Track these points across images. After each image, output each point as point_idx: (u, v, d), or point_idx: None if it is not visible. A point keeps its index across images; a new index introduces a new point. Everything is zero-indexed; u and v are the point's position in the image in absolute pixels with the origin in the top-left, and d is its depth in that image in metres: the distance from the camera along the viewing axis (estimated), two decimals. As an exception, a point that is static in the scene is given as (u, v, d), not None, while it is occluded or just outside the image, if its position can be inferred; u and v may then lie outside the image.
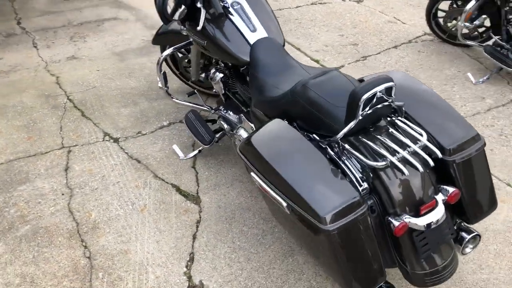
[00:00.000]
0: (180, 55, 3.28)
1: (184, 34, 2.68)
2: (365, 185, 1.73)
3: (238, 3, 2.44)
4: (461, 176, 1.78)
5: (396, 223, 1.65)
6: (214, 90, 3.24)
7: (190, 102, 3.10)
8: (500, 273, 2.17)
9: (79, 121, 3.26)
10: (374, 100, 1.68)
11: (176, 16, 2.43)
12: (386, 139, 1.73)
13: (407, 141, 1.72)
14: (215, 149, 2.93)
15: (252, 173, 1.88)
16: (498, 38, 3.59)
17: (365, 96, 1.64)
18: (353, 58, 4.06)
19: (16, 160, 2.90)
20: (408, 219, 1.66)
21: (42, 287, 2.13)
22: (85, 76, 3.79)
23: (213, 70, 2.68)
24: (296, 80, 2.06)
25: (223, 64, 2.66)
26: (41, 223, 2.45)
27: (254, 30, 2.38)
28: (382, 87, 1.67)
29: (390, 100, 1.73)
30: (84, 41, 4.40)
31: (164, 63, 3.08)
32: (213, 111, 2.83)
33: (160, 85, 2.95)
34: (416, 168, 1.65)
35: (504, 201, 2.51)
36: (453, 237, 1.83)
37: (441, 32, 4.21)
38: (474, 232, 1.86)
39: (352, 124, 1.70)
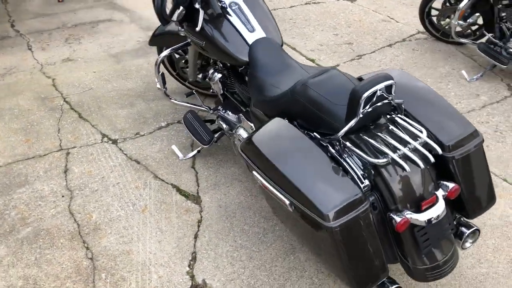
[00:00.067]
0: (177, 56, 3.29)
1: (182, 35, 2.69)
2: (366, 182, 1.76)
3: (236, 4, 2.45)
4: (461, 172, 1.80)
5: (397, 219, 1.68)
6: (211, 91, 3.26)
7: (188, 103, 3.11)
8: (498, 267, 2.20)
9: (77, 123, 3.26)
10: (375, 98, 1.71)
11: (174, 17, 2.44)
12: (387, 136, 1.76)
13: (407, 138, 1.74)
14: (214, 149, 2.95)
15: (254, 172, 1.90)
16: (491, 36, 3.64)
17: (365, 94, 1.66)
18: (348, 57, 4.09)
19: (15, 163, 2.90)
20: (410, 215, 1.69)
21: (45, 289, 2.15)
22: (81, 78, 3.79)
23: (211, 71, 2.69)
24: (295, 80, 2.08)
25: (221, 65, 2.68)
26: (42, 225, 2.45)
27: (252, 30, 2.40)
28: (382, 85, 1.69)
29: (390, 98, 1.76)
30: (79, 43, 4.39)
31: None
32: (211, 111, 2.85)
33: (158, 86, 2.96)
34: (417, 165, 1.67)
35: (501, 196, 2.55)
36: (453, 232, 1.86)
37: (435, 30, 4.24)
38: (473, 227, 1.89)
39: (353, 122, 1.72)
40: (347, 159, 1.81)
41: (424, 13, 4.16)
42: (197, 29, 2.39)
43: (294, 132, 1.88)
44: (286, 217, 1.91)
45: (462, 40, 3.90)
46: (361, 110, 1.70)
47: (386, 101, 1.76)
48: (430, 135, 1.79)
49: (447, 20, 4.09)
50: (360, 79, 2.02)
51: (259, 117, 2.28)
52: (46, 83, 3.74)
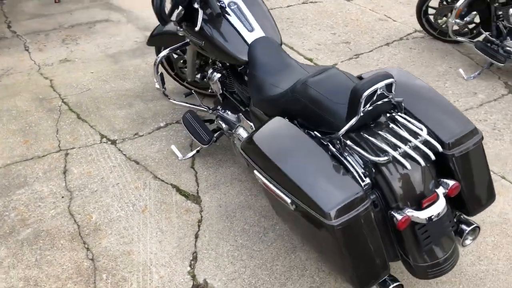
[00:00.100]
0: (175, 56, 3.29)
1: (181, 35, 2.69)
2: (367, 180, 1.76)
3: (235, 3, 2.45)
4: (461, 170, 1.81)
5: (399, 216, 1.68)
6: (209, 90, 3.26)
7: (187, 103, 3.11)
8: (498, 264, 2.21)
9: (75, 123, 3.25)
10: (375, 96, 1.72)
11: (173, 17, 2.45)
12: (387, 134, 1.77)
13: (407, 136, 1.75)
14: (213, 148, 2.95)
15: (255, 171, 1.90)
16: (488, 34, 3.66)
17: (366, 93, 1.67)
18: (346, 56, 4.10)
19: (14, 164, 2.89)
20: (411, 213, 1.69)
21: (46, 290, 2.14)
22: (79, 79, 3.78)
23: (210, 70, 2.70)
24: (295, 79, 2.09)
25: (220, 64, 2.68)
26: (42, 226, 2.44)
27: (251, 29, 2.40)
28: (382, 83, 1.70)
29: (390, 96, 1.77)
30: (76, 43, 4.39)
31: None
32: (210, 111, 2.85)
33: (157, 86, 2.96)
34: (418, 162, 1.68)
35: (499, 194, 2.55)
36: (454, 229, 1.87)
37: (432, 29, 4.26)
38: (473, 224, 1.90)
39: (353, 121, 1.73)
40: (348, 157, 1.81)
41: (421, 12, 4.18)
42: (196, 29, 2.39)
43: (294, 131, 1.88)
44: (287, 216, 1.91)
45: (459, 39, 3.91)
46: (361, 109, 1.70)
47: (386, 99, 1.77)
48: (430, 133, 1.80)
49: (444, 18, 4.10)
50: (360, 77, 2.03)
51: (259, 116, 2.28)
52: (44, 84, 3.73)
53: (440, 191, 1.76)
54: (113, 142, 3.06)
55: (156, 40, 3.17)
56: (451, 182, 1.77)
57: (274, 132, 1.92)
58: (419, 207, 1.73)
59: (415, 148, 1.72)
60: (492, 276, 2.16)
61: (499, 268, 2.19)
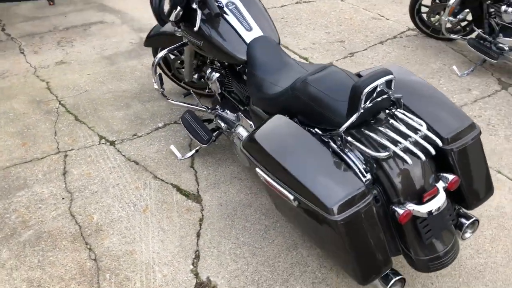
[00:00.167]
0: (172, 56, 3.30)
1: (178, 35, 2.70)
2: (368, 176, 1.79)
3: (233, 3, 2.47)
4: (460, 164, 1.84)
5: (400, 211, 1.71)
6: (207, 90, 3.28)
7: (185, 103, 3.12)
8: (497, 256, 2.25)
9: (73, 125, 3.25)
10: (375, 93, 1.74)
11: (172, 17, 2.46)
12: (387, 130, 1.79)
13: (407, 131, 1.78)
14: (212, 148, 2.97)
15: (257, 169, 1.92)
16: (481, 31, 3.70)
17: (367, 89, 1.70)
18: (341, 54, 4.13)
19: (13, 166, 2.89)
20: (412, 207, 1.72)
21: (50, 290, 2.15)
22: (75, 81, 3.79)
23: (209, 70, 2.71)
24: (294, 77, 2.11)
25: (219, 64, 2.69)
26: (44, 228, 2.45)
27: (249, 29, 2.42)
28: (382, 80, 1.73)
29: (390, 92, 1.80)
30: (72, 45, 4.38)
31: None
32: (209, 110, 2.87)
33: (156, 86, 2.96)
34: (418, 157, 1.71)
35: (496, 188, 2.55)
36: (454, 223, 1.90)
37: (425, 27, 4.31)
38: (472, 218, 1.93)
39: (354, 117, 1.75)
40: (348, 153, 1.84)
41: (414, 10, 4.23)
42: (195, 29, 2.40)
43: (295, 128, 1.90)
44: (290, 212, 1.93)
45: (453, 36, 3.96)
46: (362, 105, 1.73)
47: (385, 96, 1.80)
48: (429, 128, 1.83)
49: (437, 16, 4.15)
50: (358, 75, 2.06)
51: (259, 115, 2.30)
52: (41, 86, 3.72)
53: (440, 185, 1.79)
54: (112, 143, 3.07)
55: (153, 41, 3.18)
56: (450, 176, 1.80)
57: (275, 129, 1.94)
58: (420, 201, 1.76)
59: (415, 143, 1.75)
60: (491, 269, 2.19)
61: (498, 261, 2.23)
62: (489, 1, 3.57)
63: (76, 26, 4.78)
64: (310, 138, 1.84)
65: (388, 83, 1.77)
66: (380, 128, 1.81)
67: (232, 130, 2.58)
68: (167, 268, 2.22)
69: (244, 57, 2.37)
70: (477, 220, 1.94)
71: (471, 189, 1.90)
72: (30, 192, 2.68)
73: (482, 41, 3.70)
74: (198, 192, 2.66)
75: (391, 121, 1.84)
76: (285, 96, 2.07)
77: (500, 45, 3.56)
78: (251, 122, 2.45)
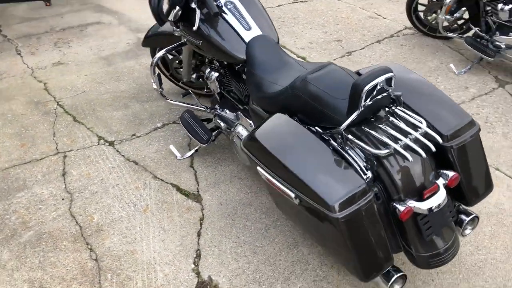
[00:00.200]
0: (170, 56, 3.30)
1: (177, 35, 2.71)
2: (369, 173, 1.80)
3: (231, 3, 2.48)
4: (459, 161, 1.86)
5: (401, 208, 1.72)
6: (205, 90, 3.29)
7: (184, 103, 3.12)
8: (496, 253, 2.26)
9: (72, 126, 3.25)
10: (375, 91, 1.75)
11: (171, 17, 2.46)
12: (388, 128, 1.80)
13: (408, 128, 1.79)
14: (211, 147, 2.97)
15: (258, 167, 1.92)
16: (477, 29, 3.72)
17: (367, 87, 1.70)
18: (338, 54, 4.14)
19: (12, 167, 2.88)
20: (413, 204, 1.73)
21: (51, 291, 2.15)
22: (73, 81, 3.78)
23: (208, 70, 2.71)
24: (294, 76, 2.12)
25: (218, 63, 2.70)
26: (44, 229, 2.44)
27: (248, 28, 2.43)
28: (383, 77, 1.73)
29: (390, 90, 1.81)
30: (69, 46, 4.38)
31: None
32: (208, 110, 2.87)
33: (154, 86, 2.96)
34: (419, 154, 1.72)
35: (495, 185, 2.58)
36: (454, 219, 1.91)
37: (422, 25, 4.33)
38: (472, 214, 1.94)
39: (355, 115, 1.76)
40: (349, 151, 1.85)
41: (411, 9, 4.24)
42: (194, 28, 2.41)
43: (296, 126, 1.91)
44: (291, 210, 1.94)
45: (450, 34, 3.98)
46: (362, 103, 1.73)
47: (385, 93, 1.81)
48: (429, 125, 1.84)
49: (434, 15, 4.17)
50: (358, 73, 2.07)
51: (258, 114, 2.31)
52: (38, 87, 3.72)
53: (440, 182, 1.80)
54: (111, 144, 3.06)
55: (151, 41, 3.18)
56: (450, 173, 1.81)
57: (276, 128, 1.94)
58: (421, 198, 1.77)
59: (416, 141, 1.76)
60: (490, 265, 2.21)
61: (497, 257, 2.24)
62: (485, 0, 3.59)
63: (72, 27, 4.77)
64: (310, 136, 1.85)
65: (388, 81, 1.77)
66: (380, 125, 1.82)
67: (232, 129, 2.59)
68: (169, 268, 2.23)
69: (243, 56, 2.37)
70: (477, 217, 1.96)
71: (471, 185, 1.91)
72: (30, 193, 2.68)
73: (479, 39, 3.72)
74: (198, 191, 2.67)
75: (391, 118, 1.85)
76: (285, 95, 2.07)
77: (497, 43, 3.57)
78: (250, 121, 2.46)
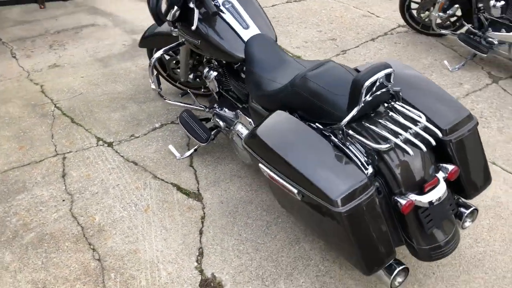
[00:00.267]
0: (167, 57, 3.31)
1: (175, 35, 2.72)
2: (370, 168, 1.82)
3: (229, 2, 2.50)
4: (458, 154, 1.89)
5: (402, 201, 1.75)
6: (203, 90, 3.30)
7: (182, 102, 3.14)
8: (495, 245, 2.30)
9: (70, 128, 3.25)
10: (374, 87, 1.78)
11: (169, 17, 2.47)
12: (387, 122, 1.83)
13: (407, 123, 1.82)
14: (210, 147, 2.98)
15: (260, 164, 1.94)
16: (470, 26, 3.77)
17: (367, 83, 1.73)
18: (333, 52, 4.18)
19: (11, 170, 2.88)
20: (414, 197, 1.76)
21: (55, 292, 2.15)
22: (70, 83, 3.78)
23: (206, 69, 2.73)
24: (293, 74, 2.14)
25: (216, 63, 2.71)
26: (46, 230, 2.45)
27: (246, 27, 2.45)
28: (382, 73, 1.76)
29: (389, 86, 1.83)
30: (64, 48, 4.37)
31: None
32: (207, 109, 2.88)
33: (153, 87, 2.98)
34: (419, 148, 1.75)
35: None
36: (454, 212, 1.94)
37: (415, 23, 4.37)
38: (472, 207, 1.98)
39: (355, 111, 1.79)
40: (350, 147, 1.87)
41: (405, 7, 4.29)
42: (193, 28, 2.42)
43: (297, 123, 1.93)
44: (293, 206, 1.96)
45: (443, 31, 4.02)
46: (363, 99, 1.76)
47: (385, 89, 1.83)
48: (428, 120, 1.87)
49: (427, 12, 4.21)
50: (356, 70, 2.09)
51: (258, 112, 2.33)
52: (35, 89, 3.71)
53: (440, 175, 1.83)
54: (110, 145, 3.07)
55: (148, 42, 3.19)
56: (450, 167, 1.85)
57: (277, 125, 1.96)
58: (421, 192, 1.79)
59: (415, 135, 1.79)
60: (489, 257, 2.24)
61: (496, 249, 2.28)
62: (477, -3, 3.64)
63: (67, 29, 4.77)
64: (311, 133, 1.87)
65: (388, 77, 1.80)
66: (380, 120, 1.85)
67: (231, 128, 2.60)
68: (172, 266, 2.24)
69: (242, 55, 2.39)
70: (476, 209, 1.99)
71: (470, 178, 1.94)
72: (30, 195, 2.68)
73: (472, 36, 3.77)
74: (198, 190, 2.68)
75: (391, 113, 1.88)
76: (285, 93, 2.09)
77: (490, 39, 3.62)
78: (250, 120, 2.48)
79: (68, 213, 2.55)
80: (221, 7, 2.46)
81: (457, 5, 3.85)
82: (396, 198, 1.78)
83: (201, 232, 2.41)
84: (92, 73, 3.92)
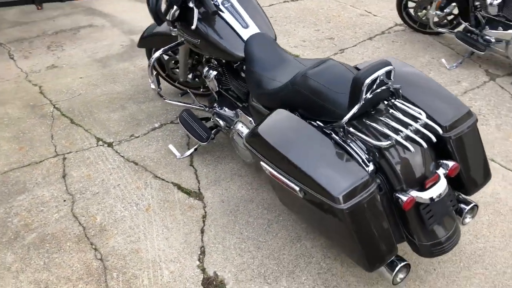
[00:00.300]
0: (166, 57, 3.32)
1: (174, 35, 2.72)
2: (371, 165, 1.83)
3: (228, 1, 2.50)
4: (458, 151, 1.90)
5: (404, 198, 1.76)
6: (202, 90, 3.31)
7: (182, 102, 3.14)
8: (494, 241, 2.31)
9: (70, 128, 3.25)
10: (375, 85, 1.79)
11: (169, 17, 2.48)
12: (388, 120, 1.84)
13: (408, 120, 1.83)
14: (211, 146, 2.99)
15: (261, 163, 1.95)
16: (467, 24, 3.79)
17: (368, 80, 1.74)
18: (331, 51, 4.19)
19: (11, 171, 2.88)
20: (415, 194, 1.77)
21: (57, 291, 2.16)
22: (68, 84, 3.78)
23: (206, 69, 2.73)
24: (293, 72, 2.16)
25: (216, 62, 2.72)
26: (47, 230, 2.45)
27: (246, 26, 2.45)
28: (383, 71, 1.77)
29: (389, 83, 1.85)
30: (62, 49, 4.37)
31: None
32: (207, 108, 2.89)
33: (152, 86, 2.98)
34: (420, 145, 1.76)
35: (490, 175, 2.67)
36: (455, 208, 1.95)
37: (412, 22, 4.39)
38: (472, 203, 1.99)
39: (356, 108, 1.80)
40: (351, 144, 1.88)
41: (402, 6, 4.30)
42: (193, 27, 2.43)
43: (298, 121, 1.94)
44: (295, 204, 1.97)
45: (440, 30, 4.04)
46: (363, 96, 1.77)
47: (385, 87, 1.84)
48: (428, 117, 1.88)
49: (424, 11, 4.23)
50: (356, 68, 2.11)
51: (259, 110, 2.34)
52: (34, 90, 3.71)
53: (441, 172, 1.85)
54: (110, 145, 3.07)
55: (147, 42, 3.20)
56: (450, 163, 1.86)
57: (278, 123, 1.97)
58: (422, 188, 1.81)
59: (416, 132, 1.81)
60: (489, 253, 2.26)
61: (496, 245, 2.29)
62: (474, -5, 3.66)
63: (65, 30, 4.76)
64: (312, 130, 1.88)
65: (388, 74, 1.82)
66: (381, 118, 1.86)
67: (231, 127, 2.61)
68: (174, 265, 2.25)
69: (242, 54, 2.40)
70: (476, 205, 2.00)
71: (470, 175, 1.96)
72: (31, 195, 2.68)
73: (469, 34, 3.79)
74: (199, 189, 2.69)
75: (391, 111, 1.89)
76: (286, 91, 2.10)
77: (487, 37, 3.64)
78: (250, 118, 2.48)
79: (69, 213, 2.55)
80: (221, 7, 2.47)
81: (454, 3, 3.87)
82: (397, 194, 1.79)
83: (202, 231, 2.42)
84: (91, 74, 3.92)
